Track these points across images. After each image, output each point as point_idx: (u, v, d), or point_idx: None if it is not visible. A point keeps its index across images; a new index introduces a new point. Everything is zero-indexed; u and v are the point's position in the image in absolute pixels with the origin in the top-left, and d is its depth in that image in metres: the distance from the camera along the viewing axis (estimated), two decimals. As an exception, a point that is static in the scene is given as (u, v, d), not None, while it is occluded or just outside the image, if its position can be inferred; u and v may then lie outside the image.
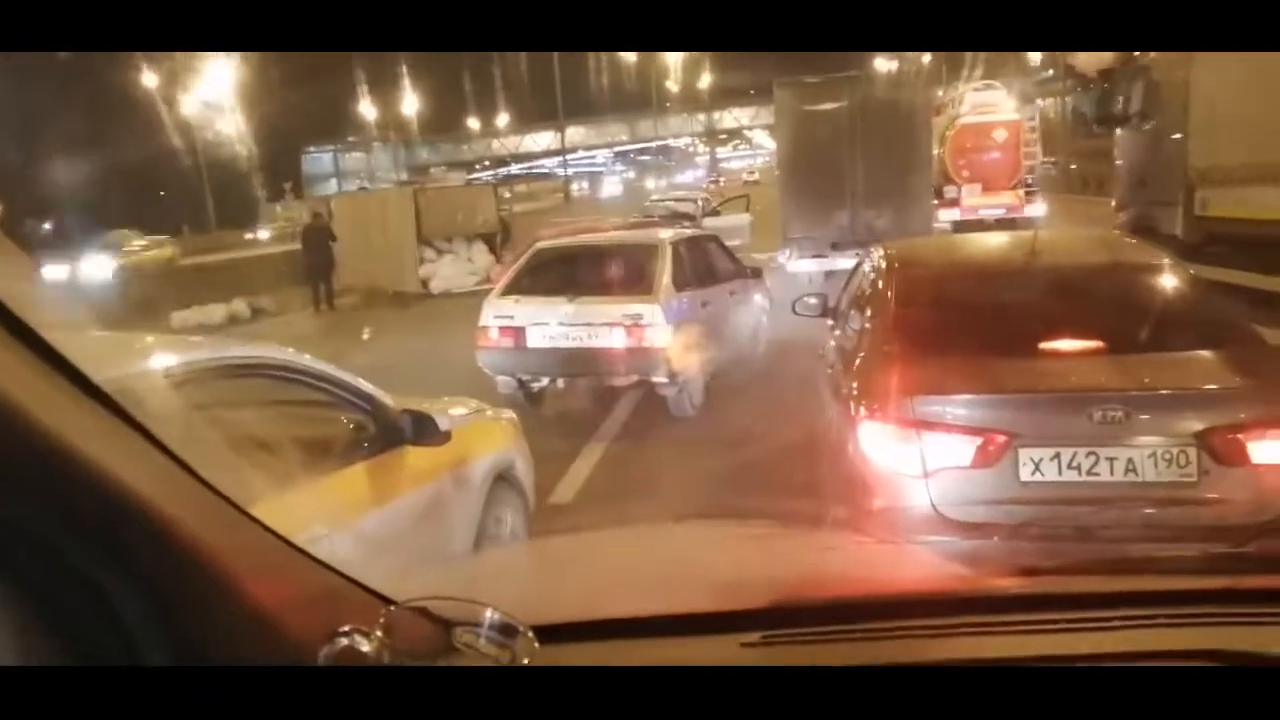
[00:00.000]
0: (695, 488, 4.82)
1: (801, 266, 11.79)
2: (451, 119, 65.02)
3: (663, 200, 22.48)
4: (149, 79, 38.07)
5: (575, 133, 64.51)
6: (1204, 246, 7.27)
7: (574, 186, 54.95)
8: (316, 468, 2.74)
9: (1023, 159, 16.17)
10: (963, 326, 3.49)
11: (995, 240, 6.31)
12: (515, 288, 6.90)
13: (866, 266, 4.42)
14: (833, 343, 4.44)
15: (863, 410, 3.23)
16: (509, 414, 4.16)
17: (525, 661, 0.86)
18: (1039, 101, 18.64)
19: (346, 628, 0.81)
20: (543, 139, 67.45)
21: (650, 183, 60.82)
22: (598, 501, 5.00)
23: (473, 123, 67.85)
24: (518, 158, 72.08)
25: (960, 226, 14.83)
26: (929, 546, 2.80)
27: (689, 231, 8.63)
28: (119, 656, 0.66)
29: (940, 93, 21.27)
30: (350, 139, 63.11)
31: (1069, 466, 2.96)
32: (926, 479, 3.02)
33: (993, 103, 17.38)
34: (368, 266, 16.72)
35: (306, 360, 2.91)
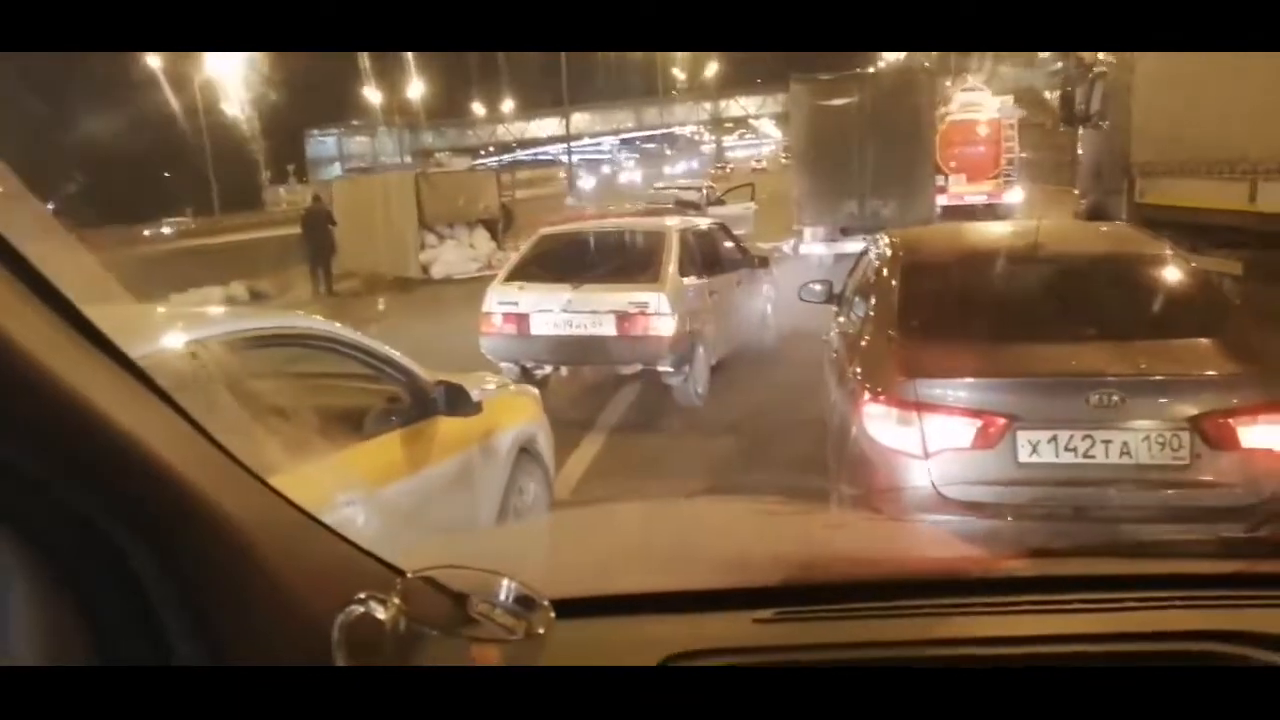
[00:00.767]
0: (698, 482, 4.78)
1: (813, 250, 13.13)
2: (456, 104, 64.84)
3: (667, 189, 22.38)
4: (153, 61, 37.88)
5: (580, 119, 64.10)
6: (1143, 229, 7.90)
7: (578, 174, 54.71)
8: (355, 434, 2.86)
9: (1003, 153, 18.25)
10: (964, 312, 3.57)
11: (997, 229, 6.47)
12: (520, 274, 6.86)
13: (871, 254, 4.49)
14: (837, 328, 4.52)
15: (866, 392, 3.30)
16: (532, 389, 4.26)
17: (541, 632, 0.86)
18: (1014, 104, 21.16)
19: (363, 595, 0.82)
20: (548, 125, 67.06)
21: (655, 170, 60.55)
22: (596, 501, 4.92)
23: (478, 108, 67.60)
24: (523, 143, 71.71)
25: (946, 211, 16.13)
26: (941, 526, 2.88)
27: (696, 220, 8.59)
28: (138, 624, 0.67)
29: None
30: (355, 123, 62.82)
31: (1066, 449, 3.03)
32: (927, 459, 3.09)
33: (978, 103, 19.39)
34: (369, 251, 16.64)
35: (348, 332, 3.03)
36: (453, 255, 16.37)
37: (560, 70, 46.34)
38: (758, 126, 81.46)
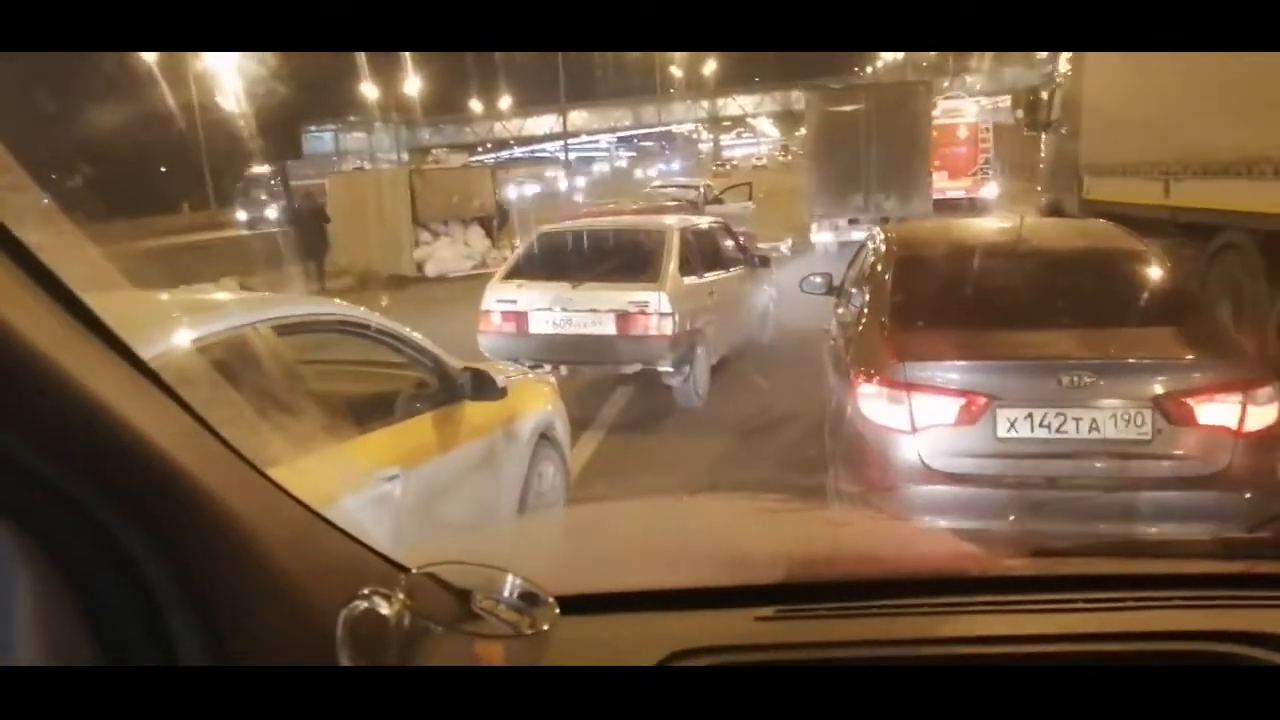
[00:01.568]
0: (698, 481, 4.78)
1: (822, 238, 15.43)
2: (453, 100, 64.68)
3: (664, 187, 22.34)
4: (147, 56, 37.78)
5: (577, 116, 64.09)
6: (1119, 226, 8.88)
7: (575, 171, 54.76)
8: (387, 416, 2.98)
9: (979, 153, 21.67)
10: (951, 302, 3.91)
11: (984, 225, 7.18)
12: (518, 272, 6.83)
13: (868, 248, 4.80)
14: (836, 318, 4.86)
15: (860, 374, 3.61)
16: (549, 378, 4.37)
17: (545, 628, 0.86)
18: (989, 107, 24.64)
19: (367, 590, 0.82)
20: (545, 122, 67.00)
21: (653, 169, 60.57)
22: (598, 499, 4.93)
23: (474, 104, 67.47)
24: (519, 141, 71.62)
25: (934, 205, 18.14)
26: (942, 525, 3.17)
27: (696, 219, 8.59)
28: (141, 620, 0.66)
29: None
30: (351, 119, 62.70)
31: (1040, 425, 3.36)
32: (915, 434, 3.42)
33: (959, 109, 22.66)
34: (362, 248, 16.54)
35: (377, 318, 3.13)
36: (447, 253, 16.31)
37: (557, 68, 46.36)
38: (755, 125, 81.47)
